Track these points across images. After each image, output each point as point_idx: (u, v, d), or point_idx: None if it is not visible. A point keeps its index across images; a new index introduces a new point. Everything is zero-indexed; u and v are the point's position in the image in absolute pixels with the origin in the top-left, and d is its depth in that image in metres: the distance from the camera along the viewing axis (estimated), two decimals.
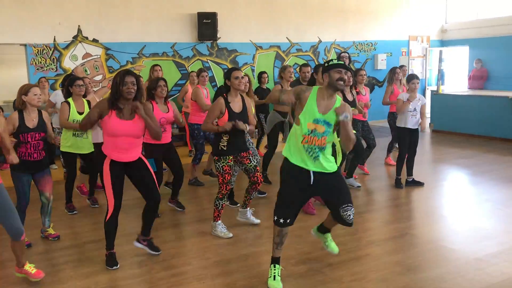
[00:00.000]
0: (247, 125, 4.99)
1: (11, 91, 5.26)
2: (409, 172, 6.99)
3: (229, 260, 4.55)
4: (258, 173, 5.17)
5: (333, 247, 4.31)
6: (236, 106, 5.01)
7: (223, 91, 5.19)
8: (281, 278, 4.02)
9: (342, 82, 3.76)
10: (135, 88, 4.11)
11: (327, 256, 4.49)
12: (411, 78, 6.80)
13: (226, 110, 4.93)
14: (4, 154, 4.16)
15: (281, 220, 3.85)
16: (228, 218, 5.67)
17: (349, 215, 3.88)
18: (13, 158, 4.11)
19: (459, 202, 6.29)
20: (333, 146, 4.01)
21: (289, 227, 3.92)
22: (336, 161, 3.99)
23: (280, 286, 3.89)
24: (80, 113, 5.83)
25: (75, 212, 6.09)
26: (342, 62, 3.82)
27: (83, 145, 5.93)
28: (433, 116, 11.94)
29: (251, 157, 5.13)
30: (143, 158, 4.39)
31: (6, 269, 4.39)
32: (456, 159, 8.84)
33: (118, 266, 4.36)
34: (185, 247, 4.92)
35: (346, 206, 3.85)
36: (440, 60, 12.89)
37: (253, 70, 11.53)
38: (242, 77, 5.00)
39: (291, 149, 3.89)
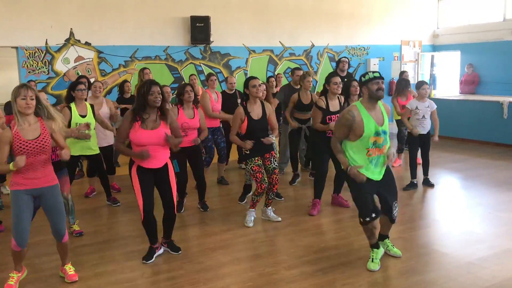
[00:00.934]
0: (272, 137, 5.44)
1: (2, 93, 5.23)
2: (425, 172, 7.23)
3: (222, 264, 4.54)
4: (275, 175, 5.45)
5: (396, 251, 4.58)
6: (255, 113, 5.37)
7: (243, 100, 5.64)
8: (275, 282, 4.02)
9: (381, 92, 4.08)
10: (161, 97, 4.29)
11: (320, 260, 4.50)
12: (421, 84, 6.98)
13: (246, 117, 5.32)
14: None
15: (366, 219, 4.23)
16: (223, 221, 5.66)
17: (396, 210, 4.36)
18: (64, 153, 4.00)
19: (451, 206, 6.32)
20: None
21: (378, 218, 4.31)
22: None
23: (376, 267, 4.29)
24: (83, 116, 5.89)
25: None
26: (378, 74, 4.11)
27: (87, 146, 5.96)
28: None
29: (272, 159, 5.48)
30: (170, 164, 4.54)
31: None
32: (448, 163, 8.88)
33: (151, 261, 4.54)
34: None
35: (396, 203, 4.33)
36: (432, 64, 13.00)
37: (246, 74, 11.54)
38: (260, 85, 5.38)
39: (355, 163, 4.19)
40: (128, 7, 10.19)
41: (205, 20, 10.62)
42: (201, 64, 11.11)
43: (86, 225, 5.72)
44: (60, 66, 9.71)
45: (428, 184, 7.18)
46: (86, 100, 6.11)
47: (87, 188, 7.07)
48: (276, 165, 5.49)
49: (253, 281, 4.14)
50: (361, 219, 4.26)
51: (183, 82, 6.07)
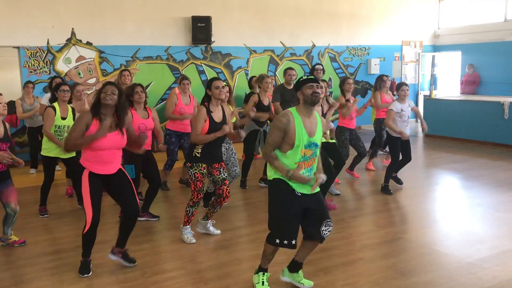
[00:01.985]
0: (242, 131, 5.06)
1: (4, 93, 5.24)
2: (398, 169, 7.07)
3: (223, 264, 4.55)
4: (225, 187, 5.04)
5: (308, 282, 4.05)
6: (217, 116, 5.00)
7: (205, 100, 5.13)
8: (274, 282, 4.03)
9: (316, 95, 3.71)
10: (114, 97, 4.10)
11: (320, 260, 4.50)
12: (401, 85, 6.83)
13: (208, 118, 4.91)
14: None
15: (292, 242, 3.76)
16: (221, 222, 5.67)
17: (328, 230, 3.82)
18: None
19: (451, 207, 6.33)
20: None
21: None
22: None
23: None
24: (63, 118, 5.82)
25: (46, 215, 6.04)
26: (312, 77, 3.79)
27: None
28: (426, 121, 11.86)
29: (221, 169, 5.06)
30: (123, 168, 4.35)
31: None
32: (448, 163, 8.89)
33: (90, 274, 4.29)
34: (178, 251, 4.90)
35: (328, 221, 3.80)
36: (433, 65, 13.00)
37: (247, 74, 11.55)
38: (223, 87, 4.99)
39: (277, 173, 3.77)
40: (129, 7, 10.21)
41: (206, 20, 10.64)
42: (202, 64, 11.13)
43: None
44: (61, 66, 9.73)
45: (397, 181, 7.15)
46: (70, 103, 6.04)
47: (67, 187, 6.97)
48: (226, 176, 5.06)
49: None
50: (278, 240, 3.74)
51: (133, 83, 5.88)
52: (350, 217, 5.81)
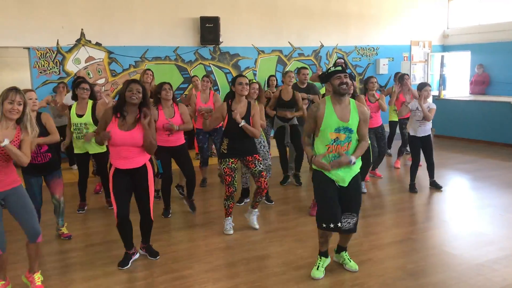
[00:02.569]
0: (243, 120, 5.07)
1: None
2: (431, 175, 7.14)
3: (231, 264, 4.56)
4: (263, 179, 5.20)
5: (352, 265, 4.37)
6: (238, 112, 5.11)
7: (229, 96, 5.37)
8: (284, 282, 4.04)
9: (344, 86, 3.90)
10: (140, 95, 4.22)
11: None
12: (424, 85, 6.89)
13: (227, 115, 5.14)
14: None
15: (331, 225, 4.00)
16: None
17: (348, 222, 4.04)
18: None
19: (460, 207, 6.29)
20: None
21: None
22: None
23: (321, 275, 4.17)
24: (79, 116, 5.88)
25: (81, 211, 6.23)
26: (340, 68, 3.95)
27: (89, 145, 5.93)
28: (435, 121, 11.85)
29: (256, 162, 5.21)
30: (149, 166, 4.42)
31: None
32: (458, 164, 8.84)
33: (127, 267, 4.45)
34: (186, 250, 4.92)
35: (350, 214, 4.03)
36: (442, 65, 12.91)
37: (255, 75, 11.56)
38: (247, 84, 5.16)
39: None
40: (138, 7, 10.26)
41: (215, 20, 10.66)
42: (211, 65, 11.15)
43: (95, 223, 5.82)
44: (71, 67, 9.80)
45: (435, 186, 7.10)
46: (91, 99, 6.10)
47: (96, 184, 7.20)
48: (262, 168, 5.21)
49: (261, 281, 4.15)
50: (324, 225, 3.99)
51: (162, 81, 5.97)
52: (360, 217, 5.78)
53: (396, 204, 6.44)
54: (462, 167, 8.58)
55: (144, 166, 4.37)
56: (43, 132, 4.80)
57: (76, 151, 6.08)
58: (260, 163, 5.23)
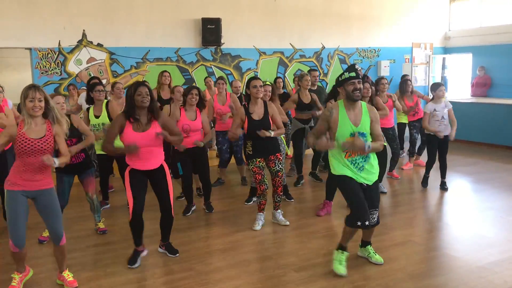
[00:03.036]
0: (270, 131, 5.31)
1: (17, 94, 5.32)
2: (443, 175, 7.24)
3: (231, 265, 4.55)
4: (278, 178, 5.43)
5: (378, 258, 4.50)
6: (256, 114, 5.31)
7: (246, 100, 5.56)
8: (284, 284, 4.03)
9: (358, 93, 3.95)
10: (149, 98, 4.29)
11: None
12: (438, 85, 6.96)
13: (246, 118, 5.29)
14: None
15: (366, 223, 4.07)
16: (231, 223, 5.68)
17: (374, 218, 4.23)
18: (59, 160, 3.94)
19: (461, 210, 6.28)
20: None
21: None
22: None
23: (345, 272, 4.21)
24: (97, 117, 6.01)
25: (105, 207, 6.44)
26: (354, 74, 3.97)
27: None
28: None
29: (276, 161, 5.43)
30: (165, 166, 4.51)
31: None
32: (459, 166, 8.83)
33: (137, 265, 4.50)
34: (187, 252, 4.92)
35: (374, 210, 4.21)
36: (443, 67, 12.92)
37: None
38: (261, 86, 5.30)
39: (336, 168, 4.14)
40: (139, 8, 10.26)
41: (216, 22, 10.66)
42: (212, 66, 11.15)
43: (109, 223, 5.79)
44: (72, 67, 9.80)
45: (443, 187, 7.16)
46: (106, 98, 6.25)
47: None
48: (280, 168, 5.45)
49: (262, 283, 4.15)
50: (355, 222, 4.07)
51: (193, 85, 6.12)
52: None
53: (396, 206, 6.44)
54: (463, 169, 8.57)
55: (162, 166, 4.47)
56: (75, 134, 4.95)
57: (98, 151, 6.20)
58: (280, 163, 5.46)
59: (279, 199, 5.59)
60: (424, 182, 7.30)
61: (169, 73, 8.32)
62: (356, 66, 7.55)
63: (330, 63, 12.58)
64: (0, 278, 4.32)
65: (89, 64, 9.95)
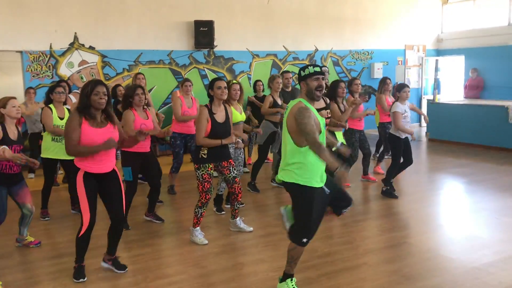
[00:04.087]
0: (241, 139, 5.22)
1: None
2: (396, 173, 6.92)
3: (225, 268, 4.51)
4: (237, 185, 5.15)
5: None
6: (219, 116, 5.02)
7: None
8: (277, 287, 4.00)
9: (319, 92, 3.64)
10: (106, 98, 4.03)
11: (324, 265, 4.46)
12: (403, 86, 6.77)
13: (210, 120, 4.93)
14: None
15: (308, 240, 3.76)
16: (223, 226, 5.64)
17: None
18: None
19: (455, 211, 6.28)
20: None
21: None
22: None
23: None
24: (61, 118, 5.89)
25: (47, 218, 6.05)
26: (319, 69, 3.64)
27: (63, 150, 5.59)
28: (429, 125, 11.95)
29: (231, 168, 5.12)
30: (117, 169, 4.25)
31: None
32: (452, 168, 8.84)
33: (85, 279, 4.23)
34: (180, 255, 4.87)
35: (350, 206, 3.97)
36: (436, 69, 12.97)
37: (249, 78, 11.54)
38: (225, 87, 5.02)
39: (307, 172, 3.62)
40: (132, 11, 10.22)
41: (209, 24, 10.64)
42: (205, 69, 11.12)
43: (63, 232, 5.63)
44: (64, 70, 9.74)
45: (390, 195, 6.84)
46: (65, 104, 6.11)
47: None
48: (236, 174, 5.16)
49: (256, 286, 4.11)
50: (305, 240, 3.71)
51: (133, 84, 5.86)
52: (354, 221, 5.77)
53: (390, 208, 6.42)
54: (456, 171, 8.58)
55: (114, 170, 4.21)
56: (23, 142, 4.82)
57: (44, 155, 5.89)
58: (234, 169, 5.16)
59: (238, 206, 5.34)
60: (390, 194, 6.81)
61: (143, 75, 7.86)
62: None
63: (323, 65, 12.58)
64: None
65: (81, 67, 9.89)
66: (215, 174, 5.47)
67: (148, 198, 5.92)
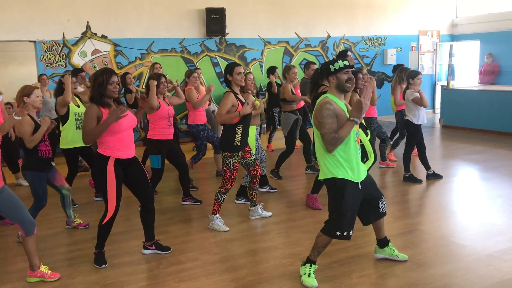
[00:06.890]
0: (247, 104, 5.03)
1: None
2: (427, 166, 7.01)
3: (238, 255, 4.54)
4: (258, 167, 5.25)
5: (403, 256, 4.28)
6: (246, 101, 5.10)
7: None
8: (291, 273, 4.01)
9: (350, 84, 3.71)
10: (120, 87, 4.13)
11: (336, 252, 4.47)
12: (417, 73, 6.72)
13: (239, 102, 4.92)
14: None
15: (342, 234, 3.79)
16: (237, 214, 5.66)
17: (385, 205, 4.11)
18: None
19: (469, 198, 6.23)
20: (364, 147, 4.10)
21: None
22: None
23: (316, 283, 3.85)
24: (78, 106, 5.91)
25: (76, 205, 6.11)
26: (347, 62, 3.71)
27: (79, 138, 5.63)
28: (443, 111, 11.85)
29: (250, 151, 5.23)
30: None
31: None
32: (467, 154, 8.75)
33: (107, 265, 4.32)
34: (193, 242, 4.91)
35: (383, 197, 4.07)
36: (451, 55, 12.78)
37: (261, 66, 11.50)
38: (246, 74, 5.06)
39: (343, 164, 3.70)
40: (143, 0, 10.22)
41: (220, 12, 10.60)
42: (217, 56, 11.10)
43: (91, 217, 5.68)
44: (77, 59, 9.80)
45: (435, 177, 6.99)
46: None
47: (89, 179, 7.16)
48: (255, 157, 5.28)
49: (268, 272, 4.13)
50: (338, 233, 3.77)
51: (159, 73, 5.90)
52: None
53: (403, 195, 6.39)
54: (471, 157, 8.50)
55: (135, 156, 4.30)
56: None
57: (63, 146, 5.82)
58: (251, 151, 5.26)
59: (257, 190, 5.43)
60: (414, 179, 6.89)
61: (160, 65, 7.92)
62: (349, 53, 7.50)
63: (336, 52, 12.48)
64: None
65: (94, 56, 9.95)
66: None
67: (180, 183, 6.12)
